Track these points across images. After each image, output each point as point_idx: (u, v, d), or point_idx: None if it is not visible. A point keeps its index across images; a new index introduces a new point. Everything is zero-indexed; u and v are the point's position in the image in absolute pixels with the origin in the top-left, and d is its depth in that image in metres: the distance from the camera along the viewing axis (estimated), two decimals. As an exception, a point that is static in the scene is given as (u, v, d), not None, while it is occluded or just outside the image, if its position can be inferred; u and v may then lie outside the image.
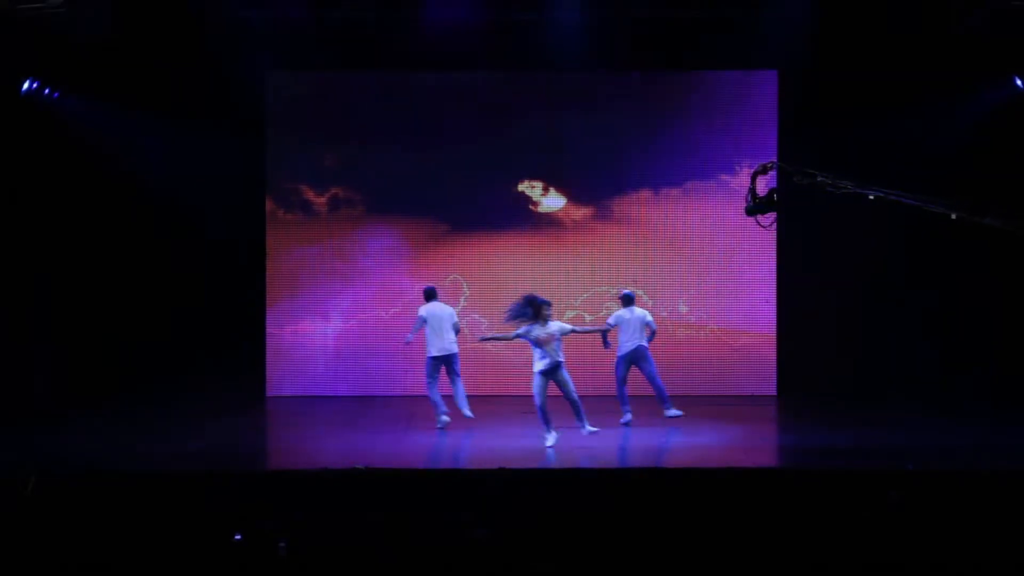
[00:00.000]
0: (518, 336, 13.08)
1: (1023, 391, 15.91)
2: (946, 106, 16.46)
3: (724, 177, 17.15)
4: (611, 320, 14.96)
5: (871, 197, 11.59)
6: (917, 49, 15.98)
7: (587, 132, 17.34)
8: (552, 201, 17.48)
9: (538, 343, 12.95)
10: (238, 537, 9.78)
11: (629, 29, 16.42)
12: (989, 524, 10.33)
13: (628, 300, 15.04)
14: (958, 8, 15.10)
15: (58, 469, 11.46)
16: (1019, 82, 16.23)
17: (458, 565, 10.05)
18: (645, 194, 17.38)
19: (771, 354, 17.30)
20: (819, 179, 11.64)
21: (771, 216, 11.94)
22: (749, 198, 11.84)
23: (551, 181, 17.46)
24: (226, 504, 10.39)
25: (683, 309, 17.34)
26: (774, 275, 17.27)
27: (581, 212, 17.44)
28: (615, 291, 16.90)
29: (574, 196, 17.46)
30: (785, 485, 11.11)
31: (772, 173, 11.90)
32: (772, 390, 17.21)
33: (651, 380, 15.04)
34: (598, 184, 17.41)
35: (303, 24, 16.36)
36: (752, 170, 11.92)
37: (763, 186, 11.77)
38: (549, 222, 17.45)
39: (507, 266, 17.32)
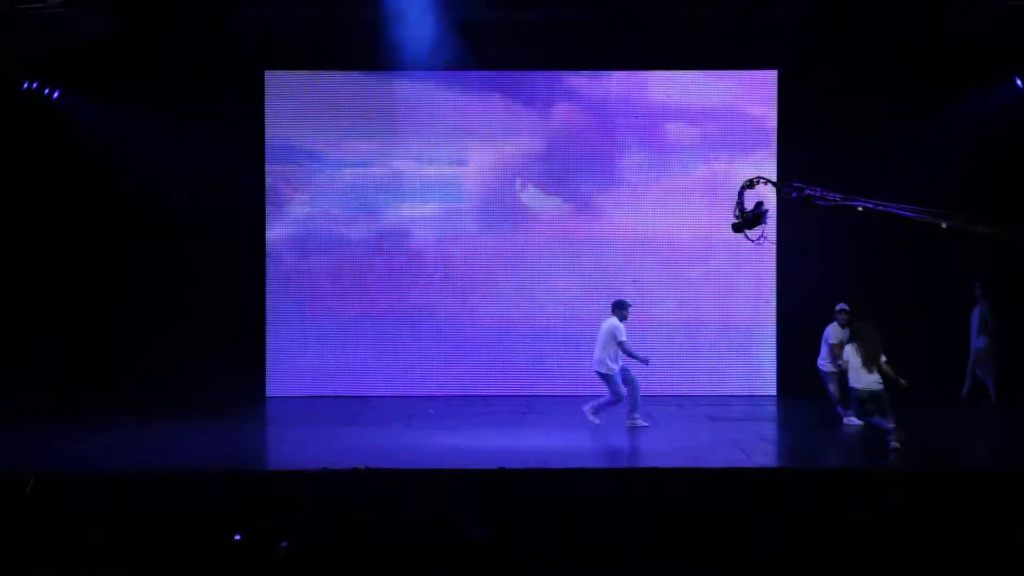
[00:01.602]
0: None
1: (1023, 391, 15.92)
2: (945, 106, 16.44)
3: (723, 177, 17.09)
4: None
5: (859, 209, 11.59)
6: (917, 49, 15.97)
7: (583, 131, 17.31)
8: (546, 200, 17.44)
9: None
10: (238, 537, 9.79)
11: (629, 29, 16.40)
12: (989, 524, 10.35)
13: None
14: (958, 8, 15.09)
15: (57, 469, 11.49)
16: (1019, 82, 16.23)
17: (458, 565, 10.06)
18: (643, 194, 17.34)
19: (771, 354, 17.28)
20: (807, 192, 11.63)
21: (759, 230, 11.90)
22: (737, 212, 11.82)
23: (545, 179, 17.42)
24: (226, 504, 10.40)
25: (672, 305, 17.32)
26: (774, 275, 17.24)
27: (577, 211, 17.40)
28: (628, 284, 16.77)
29: (569, 195, 17.42)
30: (785, 485, 11.12)
31: (760, 187, 11.85)
32: (772, 390, 17.21)
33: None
34: (595, 184, 17.37)
35: (302, 24, 16.36)
36: (741, 183, 11.90)
37: (751, 200, 11.75)
38: (543, 221, 17.41)
39: (501, 264, 17.31)
